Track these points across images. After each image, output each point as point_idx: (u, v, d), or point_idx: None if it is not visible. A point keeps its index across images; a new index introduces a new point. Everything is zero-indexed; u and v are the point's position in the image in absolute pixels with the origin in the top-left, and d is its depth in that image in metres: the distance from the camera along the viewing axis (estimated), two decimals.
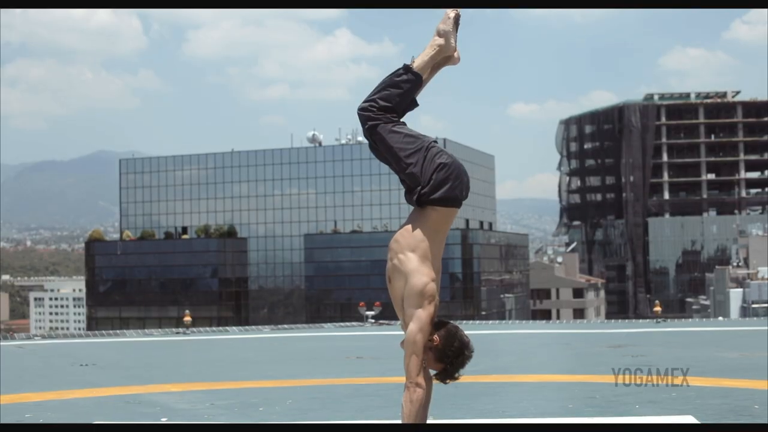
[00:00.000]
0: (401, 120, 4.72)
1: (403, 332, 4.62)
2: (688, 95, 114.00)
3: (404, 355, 4.58)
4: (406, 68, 4.68)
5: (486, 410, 6.34)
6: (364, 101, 4.70)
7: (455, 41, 4.75)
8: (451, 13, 4.79)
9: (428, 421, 4.70)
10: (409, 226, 4.65)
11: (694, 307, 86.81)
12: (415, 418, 4.56)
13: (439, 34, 4.77)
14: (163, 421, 6.20)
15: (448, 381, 4.71)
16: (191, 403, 7.11)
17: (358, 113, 4.71)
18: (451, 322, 4.79)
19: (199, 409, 6.79)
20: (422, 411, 4.62)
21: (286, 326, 20.20)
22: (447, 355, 4.63)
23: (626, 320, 23.26)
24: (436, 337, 4.62)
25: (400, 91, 4.66)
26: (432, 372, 4.71)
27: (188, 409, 6.83)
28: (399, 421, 5.66)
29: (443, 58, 4.79)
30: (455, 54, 4.81)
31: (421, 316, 4.54)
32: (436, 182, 4.59)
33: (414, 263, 4.60)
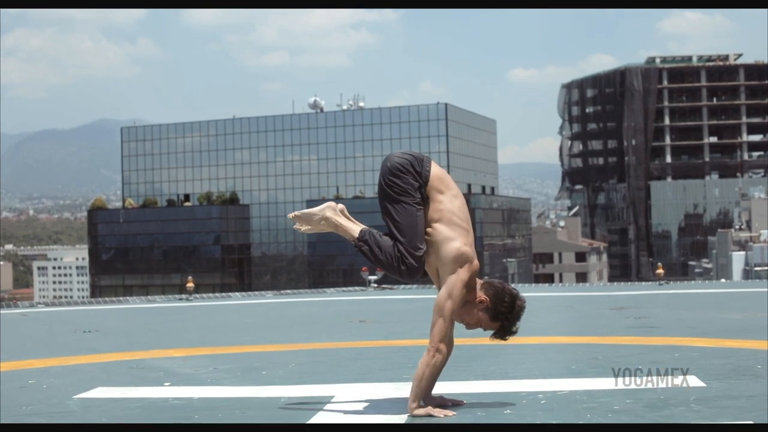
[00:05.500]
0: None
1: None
2: (690, 58, 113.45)
3: (432, 319, 4.58)
4: (357, 243, 4.98)
5: (488, 372, 6.34)
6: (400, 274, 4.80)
7: (316, 212, 5.19)
8: (297, 228, 5.36)
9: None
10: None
11: (697, 270, 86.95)
12: (427, 381, 4.62)
13: (322, 222, 5.16)
14: (167, 385, 6.21)
15: (507, 337, 4.75)
16: (194, 368, 7.13)
17: (414, 273, 4.76)
18: (496, 279, 4.80)
19: (201, 374, 6.80)
20: (435, 374, 4.64)
21: (288, 291, 20.23)
22: (501, 312, 4.65)
23: (629, 283, 23.29)
24: (485, 297, 4.62)
25: (384, 241, 4.85)
26: (490, 332, 4.73)
27: (191, 373, 6.84)
28: (400, 384, 5.67)
29: (336, 215, 5.11)
30: (335, 210, 5.13)
31: (452, 280, 4.55)
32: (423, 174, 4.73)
33: (443, 233, 4.61)
